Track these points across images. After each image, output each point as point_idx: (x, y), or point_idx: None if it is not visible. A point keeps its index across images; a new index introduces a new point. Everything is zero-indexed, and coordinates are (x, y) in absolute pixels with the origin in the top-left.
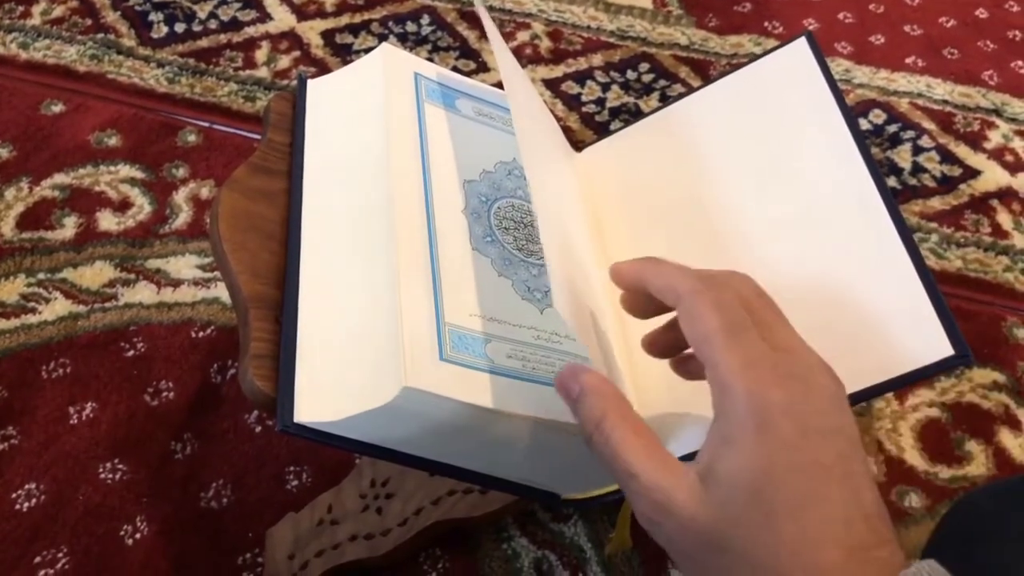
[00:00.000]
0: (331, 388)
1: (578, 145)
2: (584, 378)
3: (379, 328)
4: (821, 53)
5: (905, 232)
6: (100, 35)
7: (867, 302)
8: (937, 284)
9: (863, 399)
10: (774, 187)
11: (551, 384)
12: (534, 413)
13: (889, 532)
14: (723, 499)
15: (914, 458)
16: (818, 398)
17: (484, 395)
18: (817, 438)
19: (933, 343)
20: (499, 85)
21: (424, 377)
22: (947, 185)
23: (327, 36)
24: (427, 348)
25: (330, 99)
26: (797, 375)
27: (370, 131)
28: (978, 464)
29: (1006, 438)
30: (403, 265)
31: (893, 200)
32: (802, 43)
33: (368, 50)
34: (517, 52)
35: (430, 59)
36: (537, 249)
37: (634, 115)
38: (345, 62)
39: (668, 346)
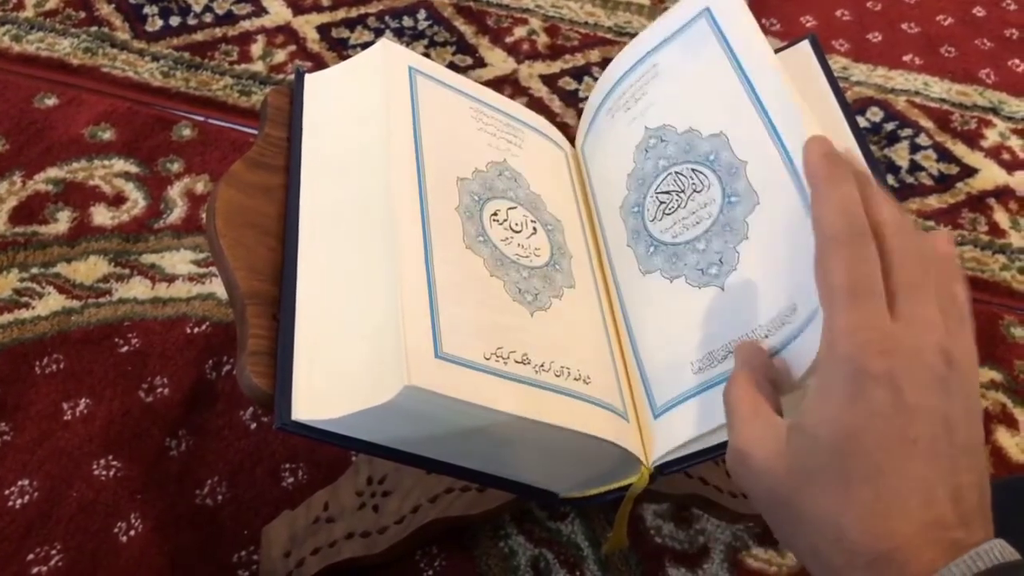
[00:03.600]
0: (329, 386)
1: (574, 140)
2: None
3: (378, 325)
4: (824, 55)
5: None
6: (94, 28)
7: None
8: None
9: None
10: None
11: (545, 386)
12: (528, 414)
13: (975, 517)
14: (803, 453)
15: None
16: (919, 375)
17: (483, 394)
18: (909, 414)
19: None
20: (494, 82)
21: (425, 376)
22: (944, 183)
23: (323, 30)
24: (426, 346)
25: (328, 94)
26: (904, 349)
27: (368, 127)
28: None
29: (1003, 437)
30: (403, 264)
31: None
32: (805, 45)
33: (364, 45)
34: (514, 47)
35: (426, 54)
36: (530, 251)
37: None
38: (341, 56)
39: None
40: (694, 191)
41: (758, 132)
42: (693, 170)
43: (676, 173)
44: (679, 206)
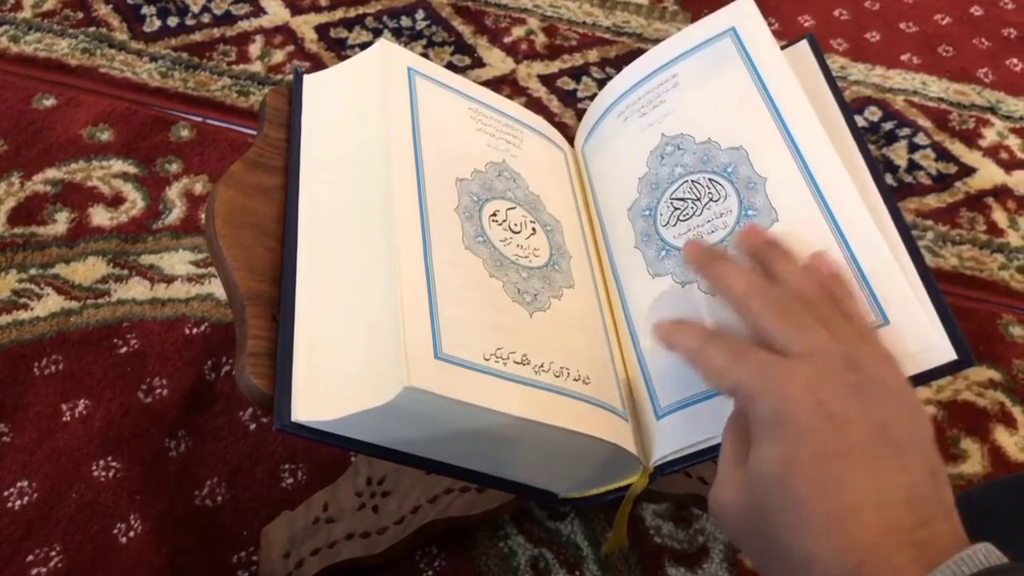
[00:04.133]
0: (329, 387)
1: (573, 141)
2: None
3: (377, 326)
4: (823, 55)
5: (906, 232)
6: (92, 28)
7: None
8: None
9: None
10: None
11: (544, 386)
12: (528, 415)
13: (935, 513)
14: (755, 490)
15: None
16: (833, 386)
17: (482, 395)
18: (834, 425)
19: (935, 347)
20: (492, 82)
21: (425, 377)
22: (943, 183)
23: (321, 31)
24: (426, 347)
25: (327, 95)
26: (809, 370)
27: (366, 128)
28: (974, 462)
29: (1002, 436)
30: (402, 265)
31: (894, 200)
32: (803, 45)
33: (363, 45)
34: (512, 47)
35: (425, 54)
36: (529, 251)
37: None
38: (340, 57)
39: None
40: (711, 200)
41: (780, 151)
42: (710, 180)
43: (693, 181)
44: (694, 214)
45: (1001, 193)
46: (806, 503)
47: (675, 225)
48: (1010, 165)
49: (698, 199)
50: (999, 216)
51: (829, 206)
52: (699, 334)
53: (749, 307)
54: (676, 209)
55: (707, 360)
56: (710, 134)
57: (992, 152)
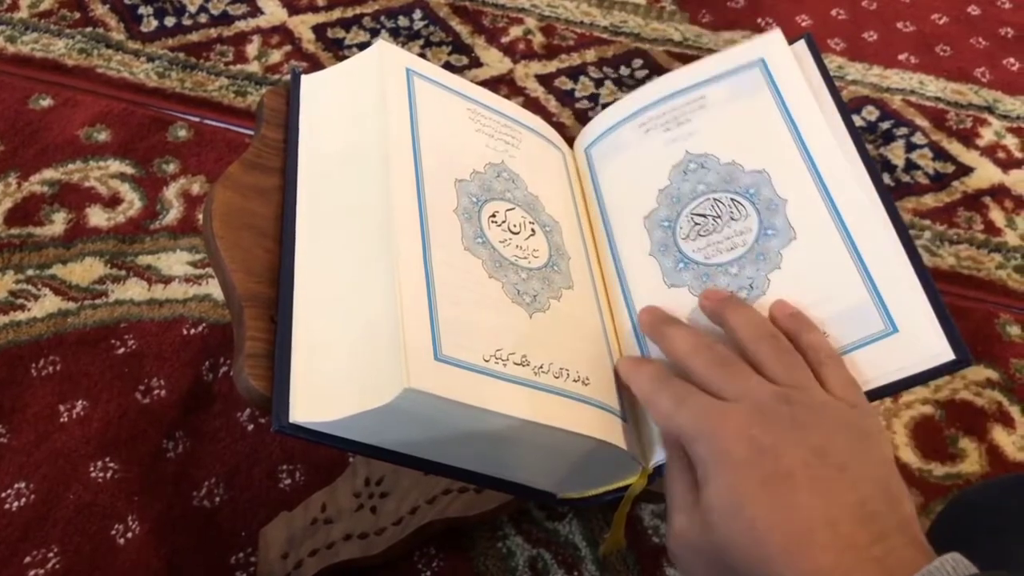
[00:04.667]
0: (327, 388)
1: (571, 141)
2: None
3: (376, 328)
4: (820, 54)
5: (904, 232)
6: (89, 29)
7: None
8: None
9: None
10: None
11: (544, 388)
12: (527, 416)
13: (891, 528)
14: (712, 525)
15: (907, 455)
16: (765, 420)
17: (482, 397)
18: (772, 453)
19: (934, 347)
20: (490, 82)
21: (424, 378)
22: (940, 182)
23: (319, 31)
24: (425, 348)
25: (325, 95)
26: (742, 409)
27: (365, 129)
28: (971, 461)
29: (999, 435)
30: (401, 266)
31: (892, 200)
32: (801, 45)
33: (360, 45)
34: (510, 47)
35: (422, 54)
36: (528, 252)
37: None
38: (337, 57)
39: None
40: (731, 219)
41: (801, 175)
42: (732, 199)
43: (715, 200)
44: (714, 230)
45: (998, 192)
46: (761, 526)
47: (695, 240)
48: (1007, 164)
49: (719, 216)
50: (996, 215)
51: (846, 225)
52: (652, 377)
53: (691, 365)
54: (697, 224)
55: (655, 404)
56: (734, 156)
57: (989, 151)
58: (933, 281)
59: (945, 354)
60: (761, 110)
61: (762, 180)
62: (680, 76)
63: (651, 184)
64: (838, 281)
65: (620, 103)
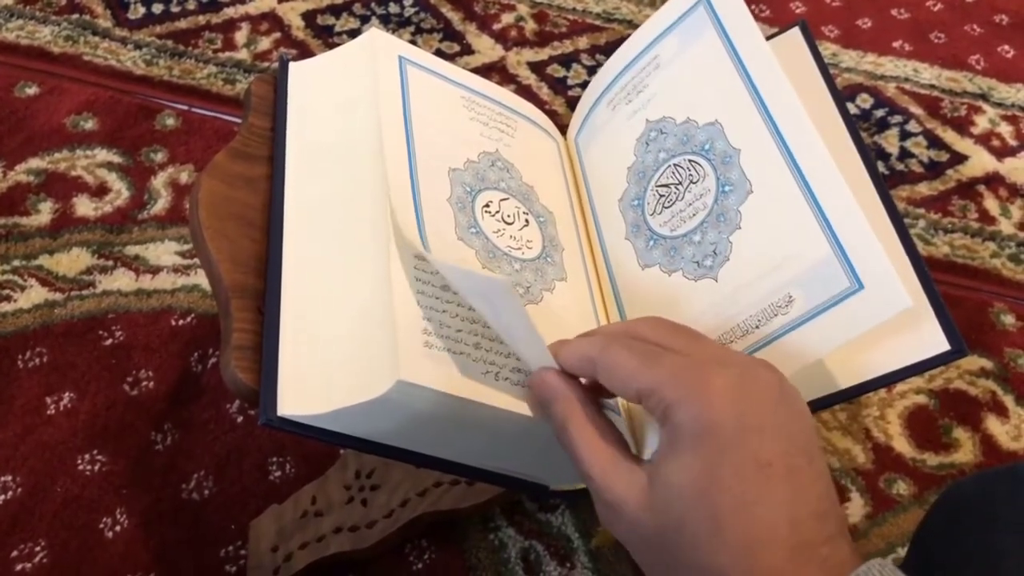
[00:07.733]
0: (315, 380)
1: (564, 129)
2: (550, 382)
3: (367, 319)
4: (815, 42)
5: (899, 220)
6: (75, 16)
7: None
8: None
9: (856, 394)
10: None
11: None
12: (519, 408)
13: (836, 527)
14: (668, 501)
15: (902, 445)
16: (753, 396)
17: (474, 388)
18: (755, 435)
19: (928, 337)
20: (482, 70)
21: (417, 370)
22: (934, 171)
23: (308, 17)
24: (417, 341)
25: (314, 83)
26: (729, 377)
27: (356, 117)
28: (966, 451)
29: (993, 425)
30: (394, 257)
31: (886, 189)
32: (795, 32)
33: (350, 32)
34: (502, 34)
35: (413, 41)
36: (522, 243)
37: None
38: (327, 44)
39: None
40: (691, 182)
41: (753, 120)
42: (690, 161)
43: (675, 165)
44: (677, 199)
45: (993, 181)
46: (725, 520)
47: (660, 213)
48: (1002, 152)
49: (679, 183)
50: (991, 204)
51: (804, 174)
52: (599, 338)
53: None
54: (661, 196)
55: (612, 361)
56: (688, 113)
57: (984, 139)
58: (928, 270)
59: (940, 344)
60: (708, 54)
61: (715, 132)
62: (634, 40)
63: (621, 164)
64: (799, 235)
65: (591, 85)
